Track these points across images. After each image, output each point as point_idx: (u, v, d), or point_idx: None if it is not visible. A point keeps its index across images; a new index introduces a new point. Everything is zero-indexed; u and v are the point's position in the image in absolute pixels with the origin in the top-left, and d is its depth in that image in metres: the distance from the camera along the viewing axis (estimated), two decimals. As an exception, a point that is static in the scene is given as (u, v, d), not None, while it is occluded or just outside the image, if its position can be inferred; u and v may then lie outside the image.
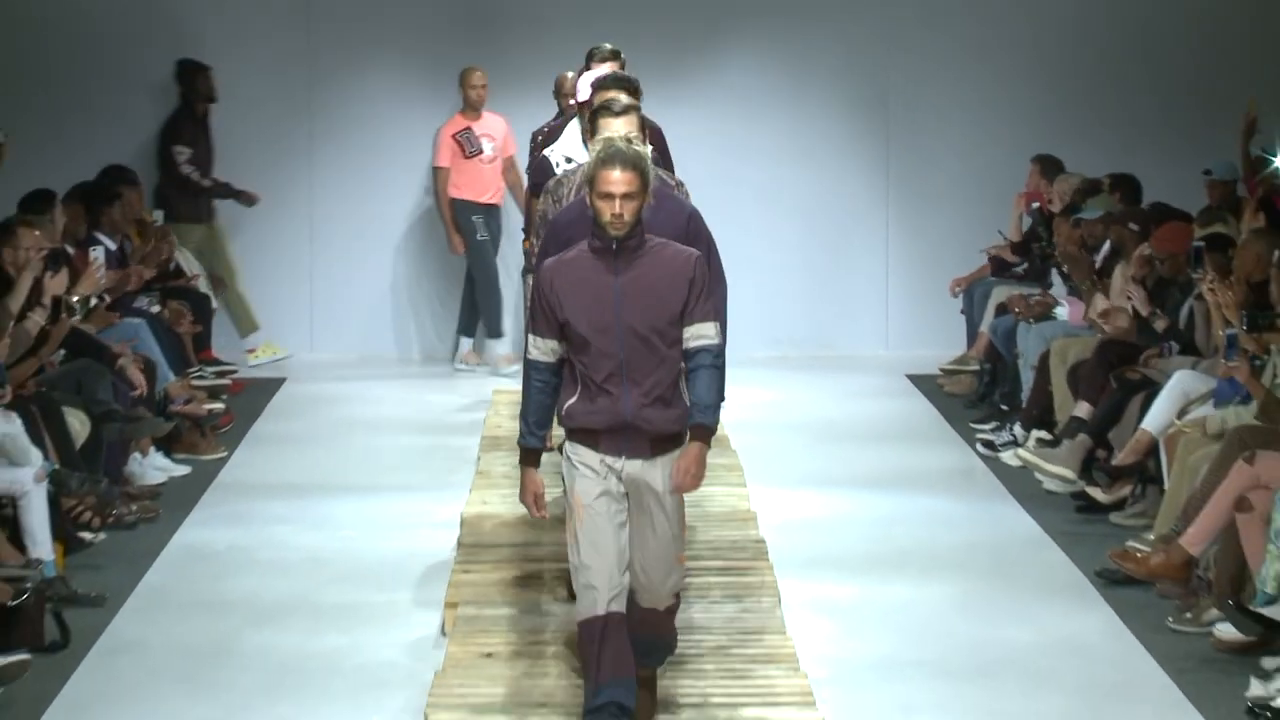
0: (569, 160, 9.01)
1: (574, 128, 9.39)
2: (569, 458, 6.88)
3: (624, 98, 7.89)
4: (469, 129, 14.48)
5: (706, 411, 6.77)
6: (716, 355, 6.80)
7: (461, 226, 14.99)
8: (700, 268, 6.78)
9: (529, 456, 6.92)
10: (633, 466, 6.81)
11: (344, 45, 15.67)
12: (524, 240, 10.67)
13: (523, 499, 6.97)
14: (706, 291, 6.78)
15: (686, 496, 7.07)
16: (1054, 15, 15.61)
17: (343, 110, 15.69)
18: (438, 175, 14.74)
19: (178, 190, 15.19)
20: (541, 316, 6.79)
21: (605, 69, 9.59)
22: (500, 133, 15.13)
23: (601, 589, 6.74)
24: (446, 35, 15.64)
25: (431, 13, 15.71)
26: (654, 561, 6.90)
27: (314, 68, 15.60)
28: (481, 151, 15.06)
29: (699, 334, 6.76)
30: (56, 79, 15.44)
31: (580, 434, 6.84)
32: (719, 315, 6.99)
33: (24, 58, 15.42)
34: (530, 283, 8.28)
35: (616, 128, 7.47)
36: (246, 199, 15.38)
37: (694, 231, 7.47)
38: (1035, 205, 14.12)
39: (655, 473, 6.82)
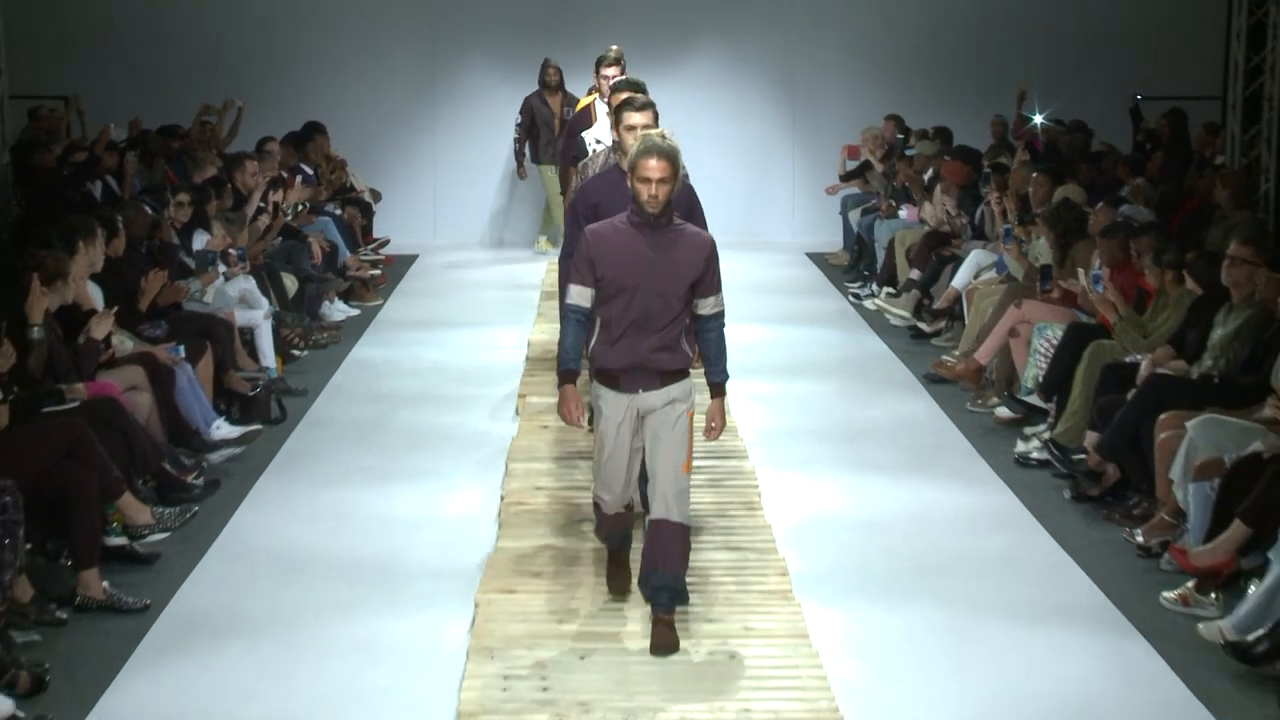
0: (598, 142, 8.11)
1: (603, 115, 8.40)
2: (596, 400, 5.68)
3: (642, 96, 6.60)
4: None
5: (720, 371, 5.68)
6: (721, 318, 5.65)
7: None
8: (714, 250, 5.57)
9: (566, 377, 5.60)
10: (647, 395, 5.57)
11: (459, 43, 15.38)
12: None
13: (561, 410, 5.62)
14: (716, 269, 5.56)
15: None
16: (904, 20, 15.30)
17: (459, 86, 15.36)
18: None
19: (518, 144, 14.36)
20: (584, 267, 5.50)
21: (613, 70, 8.69)
22: None
23: (613, 502, 5.72)
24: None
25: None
26: (663, 463, 5.57)
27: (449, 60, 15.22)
28: None
29: (711, 304, 5.57)
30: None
31: (604, 375, 5.61)
32: (721, 285, 5.66)
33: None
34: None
35: (638, 120, 6.37)
36: (523, 172, 14.49)
37: (688, 196, 6.31)
38: (859, 159, 13.82)
39: (665, 395, 5.59)
